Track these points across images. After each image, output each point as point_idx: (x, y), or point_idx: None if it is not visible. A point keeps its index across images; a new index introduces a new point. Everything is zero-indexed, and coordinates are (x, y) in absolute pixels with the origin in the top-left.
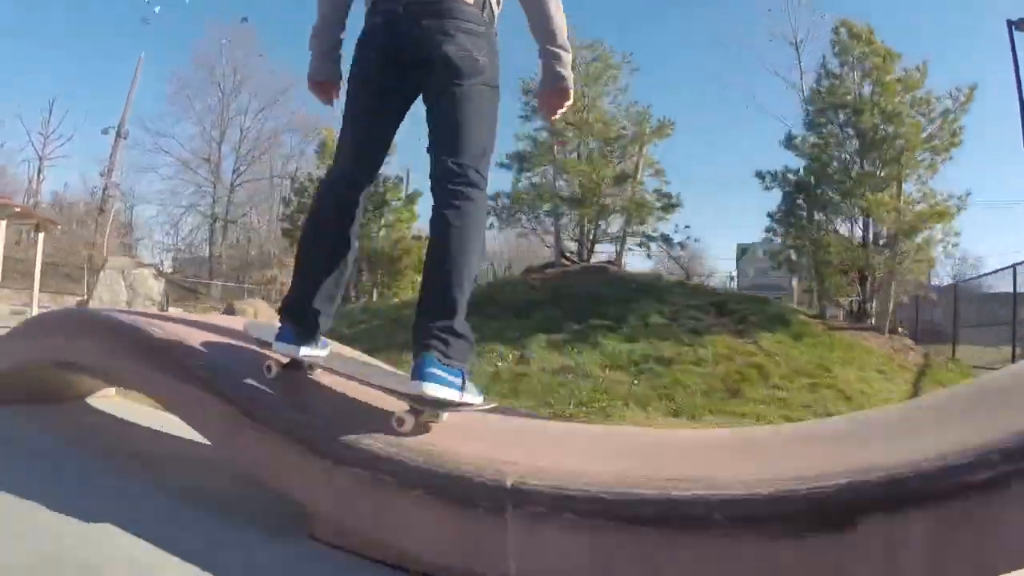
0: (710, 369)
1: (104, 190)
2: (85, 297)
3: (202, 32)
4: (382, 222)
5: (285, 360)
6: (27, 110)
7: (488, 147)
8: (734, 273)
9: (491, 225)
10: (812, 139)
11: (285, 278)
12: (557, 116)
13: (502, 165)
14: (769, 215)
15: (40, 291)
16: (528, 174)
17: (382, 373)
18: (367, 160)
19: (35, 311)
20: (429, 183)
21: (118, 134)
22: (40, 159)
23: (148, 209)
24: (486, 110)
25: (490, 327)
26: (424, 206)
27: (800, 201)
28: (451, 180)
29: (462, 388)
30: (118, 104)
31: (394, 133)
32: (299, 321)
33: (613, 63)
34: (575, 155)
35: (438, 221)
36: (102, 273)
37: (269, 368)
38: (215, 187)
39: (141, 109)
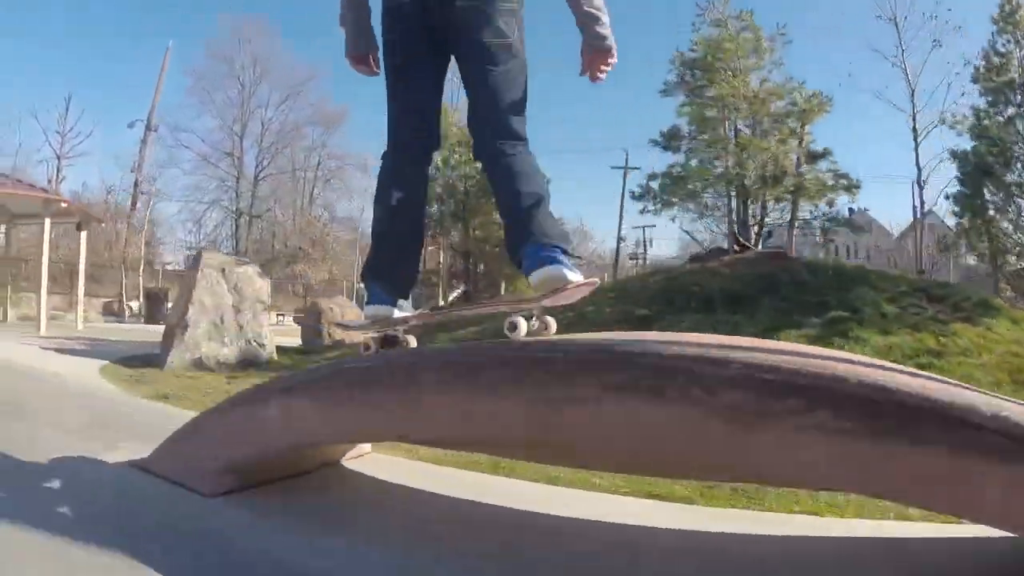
0: (978, 360)
1: (135, 186)
2: (115, 300)
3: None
4: None
5: (381, 335)
6: (42, 107)
7: (525, 118)
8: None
9: (644, 209)
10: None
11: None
12: (602, 78)
13: (655, 143)
14: (949, 197)
15: (63, 293)
16: (683, 153)
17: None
18: (418, 130)
19: (80, 315)
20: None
21: (147, 127)
22: (58, 158)
23: (168, 206)
24: (522, 85)
25: (720, 322)
26: None
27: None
28: (505, 150)
29: (573, 267)
30: (132, 99)
31: (439, 97)
32: (386, 280)
33: (764, 35)
34: (733, 132)
35: (497, 162)
36: (201, 272)
37: (367, 346)
38: (238, 181)
39: (160, 103)
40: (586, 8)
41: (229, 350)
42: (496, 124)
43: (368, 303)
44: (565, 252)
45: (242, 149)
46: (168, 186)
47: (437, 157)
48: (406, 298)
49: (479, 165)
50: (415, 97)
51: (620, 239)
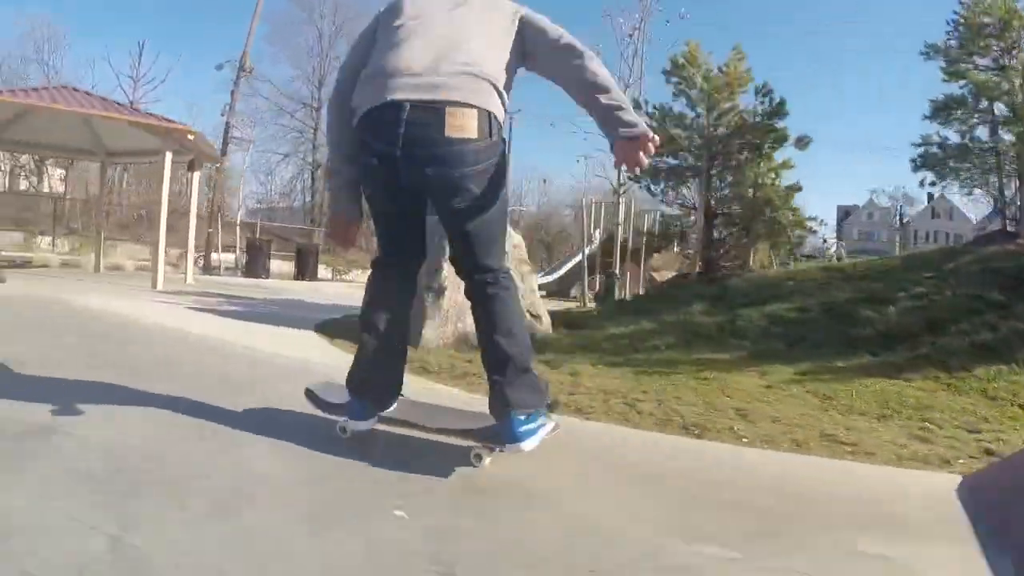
0: None
1: (226, 130)
2: (203, 254)
3: None
4: (762, 167)
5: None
6: (115, 51)
7: (503, 242)
8: (828, 235)
9: (923, 181)
10: None
11: None
12: (645, 166)
13: (927, 118)
14: None
15: (135, 243)
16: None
17: (453, 415)
18: (405, 251)
19: (190, 268)
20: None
21: (241, 67)
22: (131, 104)
23: (238, 156)
24: (498, 223)
25: None
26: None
27: None
28: (483, 283)
29: (546, 422)
30: (207, 47)
31: (424, 224)
32: (370, 397)
33: None
34: None
35: (480, 303)
36: None
37: (343, 429)
38: (315, 133)
39: (236, 49)
40: (605, 101)
41: None
42: (473, 262)
43: (350, 417)
44: (541, 412)
45: (319, 100)
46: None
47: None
48: (389, 408)
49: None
50: (399, 235)
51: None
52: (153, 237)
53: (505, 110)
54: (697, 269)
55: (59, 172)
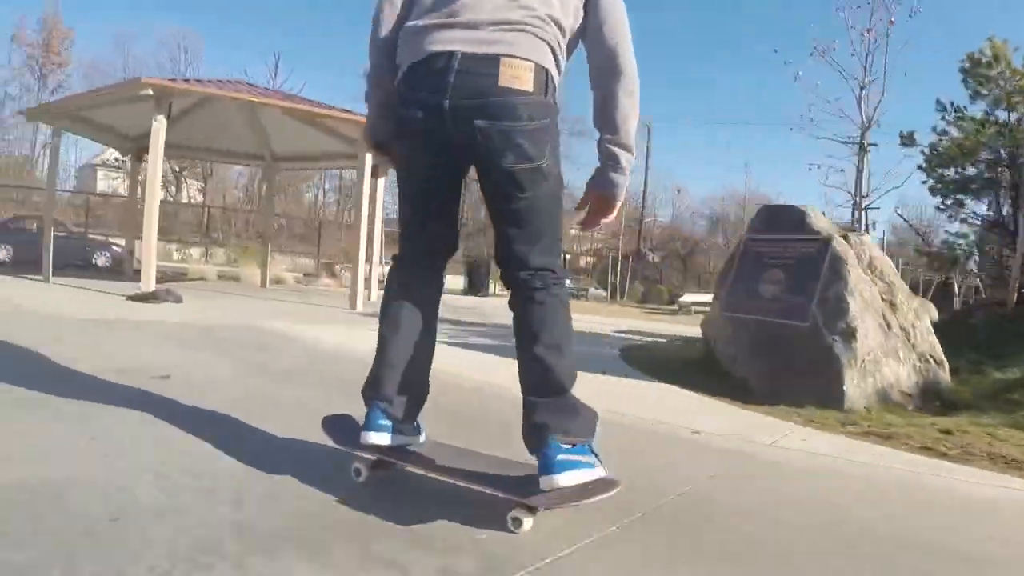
0: None
1: None
2: (333, 262)
3: None
4: None
5: (374, 458)
6: (251, 61)
7: (558, 238)
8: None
9: None
10: None
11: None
12: (595, 228)
13: None
14: None
15: (278, 252)
16: None
17: (488, 464)
18: (431, 239)
19: (375, 285)
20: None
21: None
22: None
23: None
24: (551, 210)
25: None
26: None
27: None
28: (530, 287)
29: (596, 464)
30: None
31: (458, 204)
32: (386, 399)
33: None
34: None
35: (523, 308)
36: (838, 242)
37: (358, 472)
38: None
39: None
40: (610, 145)
41: (904, 370)
42: (520, 256)
43: (365, 428)
44: (589, 446)
45: None
46: None
47: None
48: (405, 425)
49: None
50: (428, 217)
51: (855, 224)
52: (312, 246)
53: (560, 73)
54: (1015, 299)
55: (195, 184)
